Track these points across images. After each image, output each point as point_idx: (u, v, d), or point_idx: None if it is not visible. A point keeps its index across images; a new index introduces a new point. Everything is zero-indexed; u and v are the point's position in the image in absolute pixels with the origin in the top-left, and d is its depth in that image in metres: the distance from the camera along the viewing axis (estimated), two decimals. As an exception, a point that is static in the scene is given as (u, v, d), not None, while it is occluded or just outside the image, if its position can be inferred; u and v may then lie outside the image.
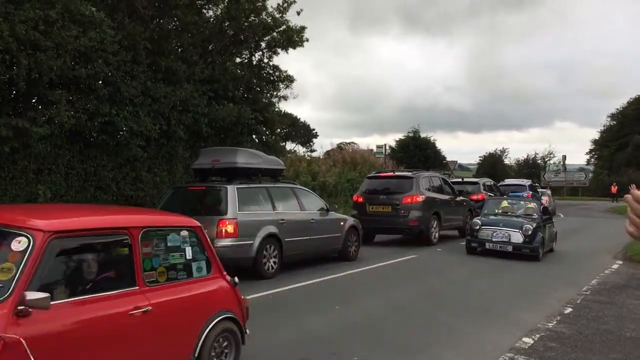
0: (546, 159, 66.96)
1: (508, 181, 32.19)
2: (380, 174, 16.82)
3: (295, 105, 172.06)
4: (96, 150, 12.08)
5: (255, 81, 16.95)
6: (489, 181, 23.52)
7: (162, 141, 13.41)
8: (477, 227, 13.24)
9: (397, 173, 16.85)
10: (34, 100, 11.12)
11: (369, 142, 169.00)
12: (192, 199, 10.50)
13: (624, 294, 9.01)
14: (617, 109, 75.35)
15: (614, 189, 53.41)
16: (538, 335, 6.38)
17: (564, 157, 59.50)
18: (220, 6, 15.69)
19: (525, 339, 6.21)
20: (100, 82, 11.79)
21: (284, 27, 16.46)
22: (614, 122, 75.08)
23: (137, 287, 3.97)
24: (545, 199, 30.76)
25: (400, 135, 49.84)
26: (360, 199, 15.66)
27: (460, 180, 23.03)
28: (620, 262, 12.91)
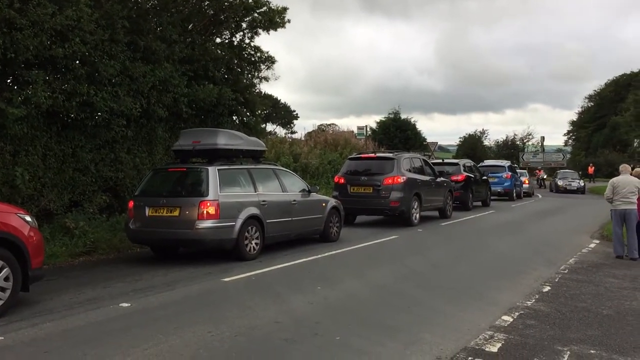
0: (525, 140, 67.69)
1: (487, 162, 32.61)
2: (362, 155, 16.84)
3: (268, 87, 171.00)
4: (74, 132, 11.87)
5: (236, 62, 16.72)
6: (469, 162, 23.70)
7: (142, 121, 13.22)
8: None
9: (378, 154, 16.88)
10: (9, 81, 10.87)
11: (345, 123, 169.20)
12: (173, 181, 10.43)
13: (601, 273, 9.19)
14: (595, 90, 76.28)
15: (590, 170, 54.13)
16: (517, 314, 6.48)
17: (542, 139, 60.15)
18: (199, -15, 15.41)
19: (505, 317, 6.31)
20: (78, 61, 11.54)
21: (265, 8, 16.24)
22: (592, 104, 75.98)
23: None
24: (524, 180, 31.25)
25: (376, 117, 50.30)
26: (342, 180, 15.69)
27: (440, 161, 23.16)
28: (597, 242, 13.14)
